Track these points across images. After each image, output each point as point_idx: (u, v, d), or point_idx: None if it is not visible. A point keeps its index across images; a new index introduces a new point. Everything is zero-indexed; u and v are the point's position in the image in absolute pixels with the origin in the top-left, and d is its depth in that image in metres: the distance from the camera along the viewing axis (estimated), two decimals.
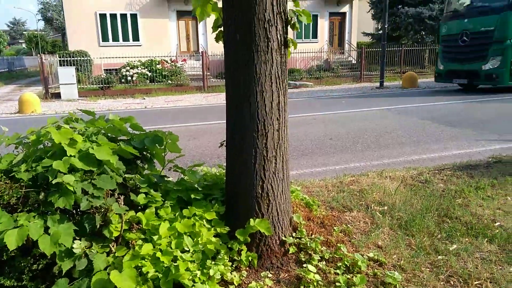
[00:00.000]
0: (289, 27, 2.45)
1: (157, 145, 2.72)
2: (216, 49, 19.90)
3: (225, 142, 2.65)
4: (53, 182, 2.08)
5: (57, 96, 14.92)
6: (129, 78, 17.86)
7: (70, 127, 2.40)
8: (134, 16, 20.89)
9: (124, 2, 20.44)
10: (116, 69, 18.89)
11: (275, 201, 2.52)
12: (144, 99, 14.63)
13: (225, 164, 2.70)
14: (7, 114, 11.47)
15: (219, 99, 13.86)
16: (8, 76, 30.75)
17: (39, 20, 44.11)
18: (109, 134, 2.66)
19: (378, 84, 16.53)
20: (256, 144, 2.43)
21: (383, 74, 16.16)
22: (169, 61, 19.46)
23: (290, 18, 2.40)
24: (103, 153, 2.29)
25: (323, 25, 24.13)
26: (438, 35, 18.63)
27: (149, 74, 18.07)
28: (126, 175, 2.61)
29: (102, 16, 20.22)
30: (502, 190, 3.95)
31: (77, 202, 2.17)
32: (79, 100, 14.61)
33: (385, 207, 3.60)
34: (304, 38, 23.26)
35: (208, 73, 17.76)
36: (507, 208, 3.57)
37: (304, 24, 3.54)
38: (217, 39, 2.67)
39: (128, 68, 18.24)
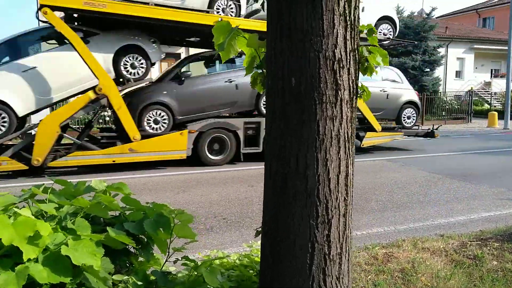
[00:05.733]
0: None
1: (161, 229, 1.90)
2: None
3: (261, 229, 1.85)
4: None
5: None
6: None
7: (33, 212, 1.56)
8: None
9: None
10: None
11: None
12: None
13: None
14: None
15: None
16: None
17: None
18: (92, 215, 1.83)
19: None
20: (313, 236, 1.65)
21: None
22: None
23: (363, 58, 1.71)
24: (82, 253, 1.46)
25: None
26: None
27: None
28: (115, 277, 1.76)
29: None
30: None
31: None
32: None
33: None
34: None
35: None
36: None
37: None
38: (253, 84, 1.95)
39: None
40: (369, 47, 1.76)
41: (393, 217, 4.99)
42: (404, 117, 10.65)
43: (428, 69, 23.08)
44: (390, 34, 10.14)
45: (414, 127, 11.13)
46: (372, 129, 9.83)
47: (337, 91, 1.61)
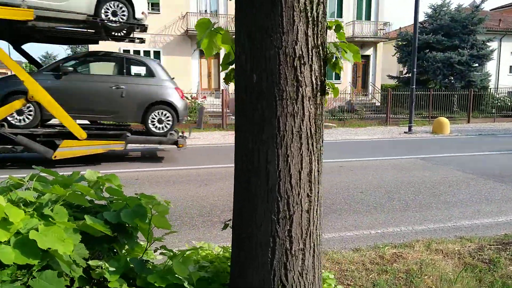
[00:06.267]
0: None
1: (138, 219, 1.99)
2: None
3: (230, 222, 1.89)
4: None
5: None
6: None
7: (14, 199, 1.70)
8: (157, 53, 21.06)
9: (148, 40, 20.64)
10: None
11: None
12: None
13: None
14: None
15: None
16: None
17: (68, 54, 46.15)
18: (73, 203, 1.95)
19: (406, 128, 15.65)
20: (275, 232, 1.67)
21: (411, 118, 15.30)
22: (190, 98, 19.22)
23: (330, 55, 1.69)
24: (50, 238, 1.57)
25: (347, 66, 23.70)
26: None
27: None
28: (91, 262, 1.87)
29: (125, 52, 20.46)
30: None
31: None
32: None
33: None
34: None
35: (227, 111, 17.31)
36: None
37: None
38: (226, 80, 1.99)
39: None
40: (338, 42, 1.73)
41: (413, 217, 4.82)
42: (153, 121, 8.29)
43: (477, 64, 21.79)
44: (124, 16, 7.68)
45: (172, 133, 8.61)
46: (74, 136, 7.53)
47: (298, 87, 1.60)
